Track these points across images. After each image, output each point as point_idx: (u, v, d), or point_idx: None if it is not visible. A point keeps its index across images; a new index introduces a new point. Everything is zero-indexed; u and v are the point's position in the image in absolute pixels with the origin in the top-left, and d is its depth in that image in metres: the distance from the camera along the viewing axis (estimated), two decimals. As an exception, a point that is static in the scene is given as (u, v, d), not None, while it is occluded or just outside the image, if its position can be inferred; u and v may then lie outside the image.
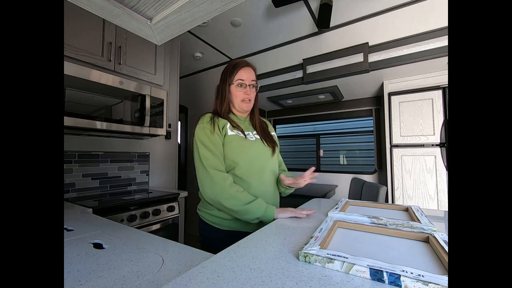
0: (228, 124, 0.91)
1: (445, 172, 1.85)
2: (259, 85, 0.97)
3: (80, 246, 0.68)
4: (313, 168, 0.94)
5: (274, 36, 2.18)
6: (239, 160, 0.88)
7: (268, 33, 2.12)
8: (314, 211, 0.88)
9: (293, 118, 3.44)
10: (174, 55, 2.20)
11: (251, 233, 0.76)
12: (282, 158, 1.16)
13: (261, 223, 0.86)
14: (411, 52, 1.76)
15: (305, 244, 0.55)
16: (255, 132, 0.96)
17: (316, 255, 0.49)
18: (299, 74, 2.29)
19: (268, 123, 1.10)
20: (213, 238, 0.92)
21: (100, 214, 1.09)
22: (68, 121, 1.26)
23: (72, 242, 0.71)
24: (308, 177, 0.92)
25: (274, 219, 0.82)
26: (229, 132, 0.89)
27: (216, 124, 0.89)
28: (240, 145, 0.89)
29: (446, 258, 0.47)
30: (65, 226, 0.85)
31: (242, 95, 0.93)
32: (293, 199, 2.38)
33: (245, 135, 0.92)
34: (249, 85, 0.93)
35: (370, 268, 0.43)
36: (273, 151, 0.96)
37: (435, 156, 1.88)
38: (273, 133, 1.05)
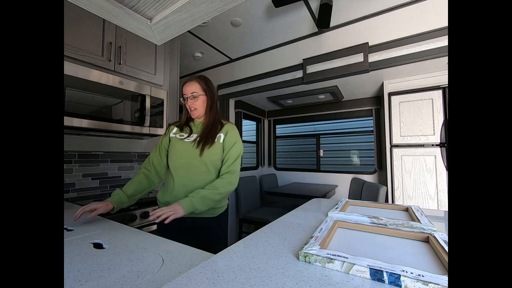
0: (175, 129, 1.15)
1: (445, 172, 1.85)
2: (205, 93, 1.11)
3: (80, 246, 0.68)
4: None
5: (274, 36, 2.17)
6: (171, 156, 1.10)
7: (268, 33, 2.12)
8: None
9: (293, 118, 3.44)
10: (174, 55, 2.20)
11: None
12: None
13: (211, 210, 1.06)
14: (411, 52, 1.76)
15: (305, 244, 0.55)
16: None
17: (316, 255, 0.49)
18: (299, 74, 2.28)
19: (229, 127, 1.13)
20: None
21: (100, 214, 1.09)
22: (68, 121, 1.26)
23: (72, 242, 0.71)
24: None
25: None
26: (171, 135, 1.14)
27: (168, 130, 1.17)
28: (173, 145, 1.11)
29: (446, 258, 0.47)
30: (65, 226, 0.85)
31: (188, 107, 1.12)
32: (293, 199, 2.39)
33: (187, 137, 1.10)
34: (188, 97, 1.09)
35: (370, 268, 0.43)
36: (201, 150, 1.05)
37: (435, 156, 1.88)
38: (220, 134, 1.09)
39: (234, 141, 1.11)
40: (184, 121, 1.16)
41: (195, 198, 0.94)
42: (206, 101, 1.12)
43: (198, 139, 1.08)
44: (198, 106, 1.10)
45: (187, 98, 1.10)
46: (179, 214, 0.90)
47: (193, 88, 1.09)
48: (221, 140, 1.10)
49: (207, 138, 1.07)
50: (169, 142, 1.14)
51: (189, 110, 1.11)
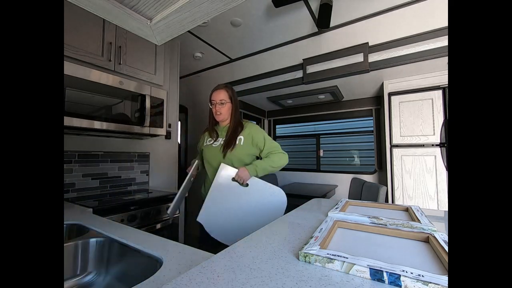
0: (206, 137, 1.38)
1: (445, 172, 1.85)
2: (231, 101, 1.31)
3: (80, 246, 0.68)
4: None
5: (274, 36, 2.17)
6: (205, 161, 1.35)
7: (268, 33, 2.12)
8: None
9: (293, 118, 3.44)
10: (174, 55, 2.20)
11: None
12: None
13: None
14: (411, 52, 1.76)
15: (305, 244, 0.55)
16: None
17: (316, 255, 0.49)
18: (299, 74, 2.28)
19: (246, 125, 1.33)
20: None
21: (100, 214, 1.09)
22: (68, 121, 1.26)
23: (72, 242, 0.71)
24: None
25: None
26: (204, 144, 1.37)
27: (202, 138, 1.43)
28: (205, 152, 1.34)
29: (446, 258, 0.47)
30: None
31: (214, 111, 1.31)
32: (293, 199, 2.39)
33: (214, 142, 1.32)
34: (217, 103, 1.29)
35: (370, 268, 0.43)
36: (224, 154, 1.25)
37: (435, 156, 1.88)
38: (240, 137, 1.28)
39: (262, 135, 1.30)
40: (212, 125, 1.37)
41: (257, 167, 1.22)
42: (231, 107, 1.31)
43: (223, 144, 1.28)
44: (223, 111, 1.29)
45: (216, 103, 1.29)
46: (247, 178, 1.20)
47: (222, 96, 1.29)
48: (242, 142, 1.27)
49: (229, 143, 1.26)
50: (202, 150, 1.37)
51: (214, 114, 1.31)
